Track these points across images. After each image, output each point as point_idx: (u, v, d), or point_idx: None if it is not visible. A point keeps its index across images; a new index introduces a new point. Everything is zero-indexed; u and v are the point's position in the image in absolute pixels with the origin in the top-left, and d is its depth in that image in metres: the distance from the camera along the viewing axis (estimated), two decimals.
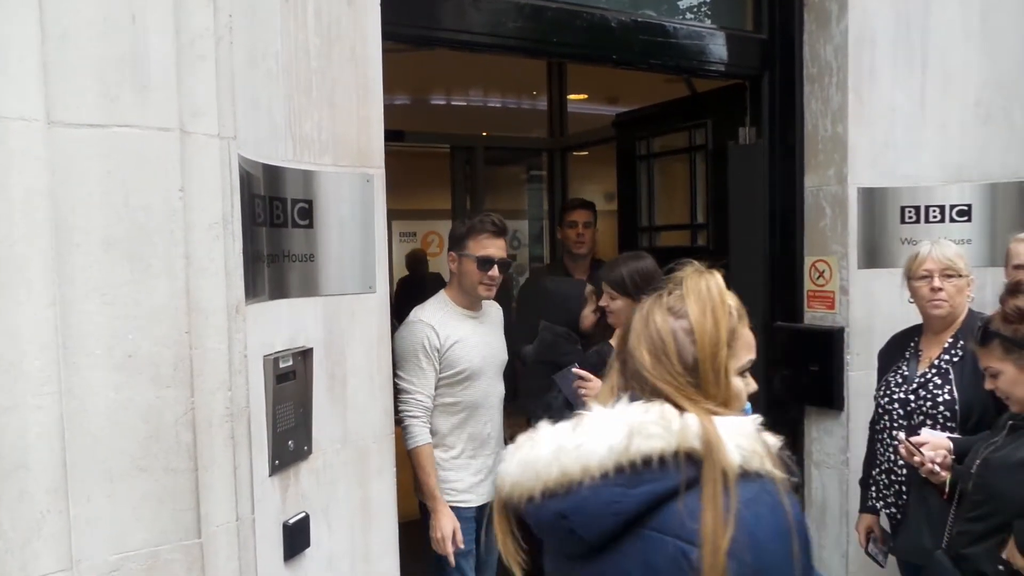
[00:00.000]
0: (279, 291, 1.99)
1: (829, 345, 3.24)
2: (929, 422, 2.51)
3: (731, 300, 1.25)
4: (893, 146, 3.19)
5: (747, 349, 1.25)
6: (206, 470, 1.60)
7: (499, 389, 2.83)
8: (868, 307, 3.21)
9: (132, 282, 1.51)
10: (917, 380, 2.58)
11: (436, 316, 2.70)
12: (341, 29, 2.10)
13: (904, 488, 2.57)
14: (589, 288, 3.10)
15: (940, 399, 2.50)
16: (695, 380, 1.18)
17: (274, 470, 1.94)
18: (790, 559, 1.07)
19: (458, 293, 2.78)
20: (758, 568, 1.05)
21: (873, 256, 3.22)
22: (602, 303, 2.72)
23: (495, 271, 2.72)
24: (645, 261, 2.69)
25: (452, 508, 2.66)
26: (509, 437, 2.41)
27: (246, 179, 1.79)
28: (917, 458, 2.26)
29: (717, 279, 1.24)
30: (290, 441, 1.99)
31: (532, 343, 3.20)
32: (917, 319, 2.68)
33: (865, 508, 2.77)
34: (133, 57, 1.50)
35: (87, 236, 1.47)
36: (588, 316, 3.06)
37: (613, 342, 2.49)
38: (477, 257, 2.70)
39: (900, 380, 2.64)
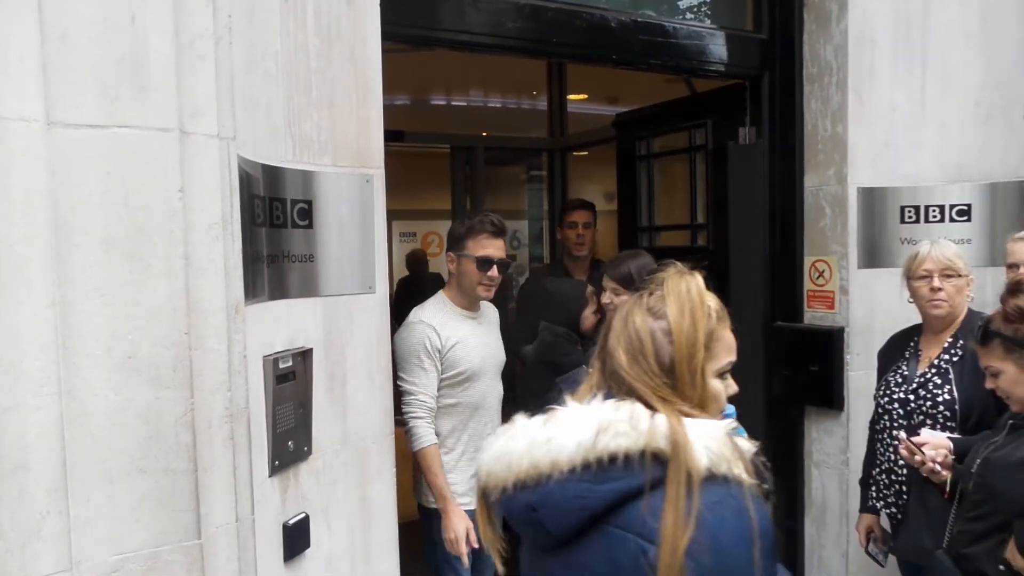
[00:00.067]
0: (279, 291, 1.99)
1: (829, 345, 3.24)
2: (929, 422, 2.51)
3: (711, 301, 1.25)
4: (893, 146, 3.19)
5: (727, 351, 1.26)
6: (206, 471, 1.60)
7: (498, 390, 2.83)
8: (868, 307, 3.21)
9: (132, 282, 1.51)
10: (917, 380, 2.58)
11: (436, 317, 2.70)
12: (341, 29, 2.10)
13: (904, 488, 2.57)
14: (589, 289, 3.10)
15: (940, 399, 2.50)
16: (671, 381, 1.19)
17: (274, 471, 1.94)
18: (751, 564, 1.07)
19: (457, 294, 2.78)
20: (717, 571, 1.05)
21: (873, 256, 3.22)
22: (605, 300, 2.72)
23: (494, 271, 2.72)
24: (647, 258, 2.71)
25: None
26: None
27: (245, 179, 1.79)
28: (918, 457, 2.26)
29: (698, 280, 1.25)
30: (290, 442, 1.99)
31: (532, 343, 3.20)
32: (917, 319, 2.68)
33: (865, 508, 2.77)
34: (133, 57, 1.50)
35: (87, 236, 1.47)
36: (588, 317, 3.06)
37: None
38: (476, 257, 2.70)
39: (900, 380, 2.64)
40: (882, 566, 2.77)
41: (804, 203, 3.37)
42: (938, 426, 2.49)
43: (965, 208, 3.19)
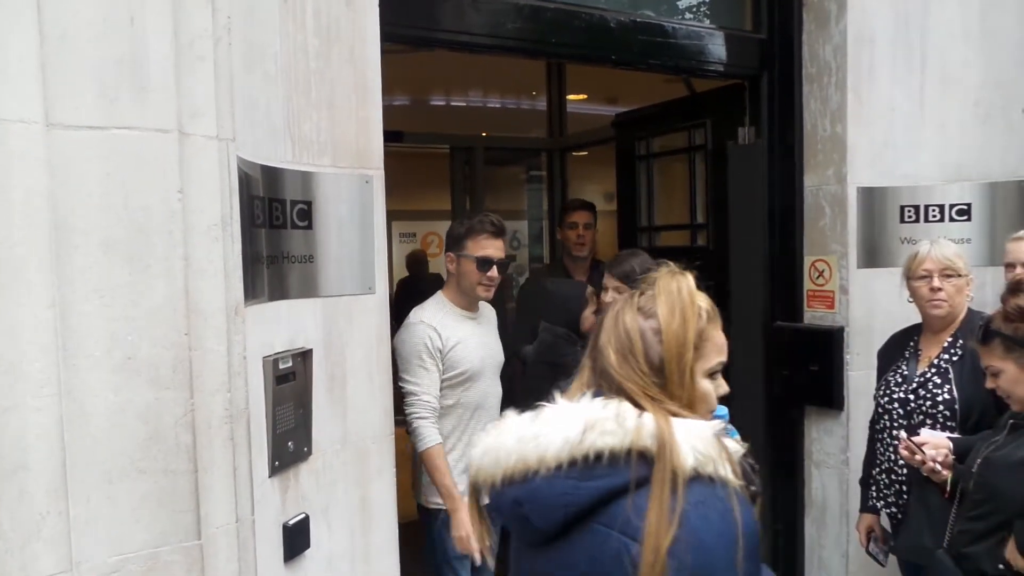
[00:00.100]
0: (278, 292, 1.99)
1: (829, 345, 3.24)
2: (929, 421, 2.51)
3: (702, 302, 1.25)
4: (892, 146, 3.19)
5: (717, 351, 1.26)
6: (206, 471, 1.60)
7: (497, 390, 2.83)
8: (868, 306, 3.21)
9: (131, 283, 1.51)
10: (917, 379, 2.58)
11: (436, 317, 2.70)
12: (340, 30, 2.10)
13: (904, 488, 2.57)
14: (589, 289, 3.10)
15: (940, 398, 2.51)
16: (660, 380, 1.19)
17: (274, 471, 1.94)
18: (733, 565, 1.07)
19: (456, 294, 2.78)
20: (699, 569, 1.05)
21: (873, 255, 3.22)
22: (607, 299, 2.73)
23: (494, 272, 2.72)
24: (647, 256, 2.74)
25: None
26: None
27: (245, 180, 1.79)
28: (919, 457, 2.26)
29: (689, 281, 1.26)
30: (290, 442, 1.99)
31: (532, 343, 3.20)
32: (917, 318, 2.68)
33: (866, 508, 2.77)
34: (132, 58, 1.50)
35: (86, 237, 1.47)
36: (588, 317, 3.06)
37: None
38: (476, 258, 2.70)
39: (900, 380, 2.64)
40: (882, 566, 2.77)
41: (804, 203, 3.37)
42: (938, 426, 2.49)
43: (965, 208, 3.19)
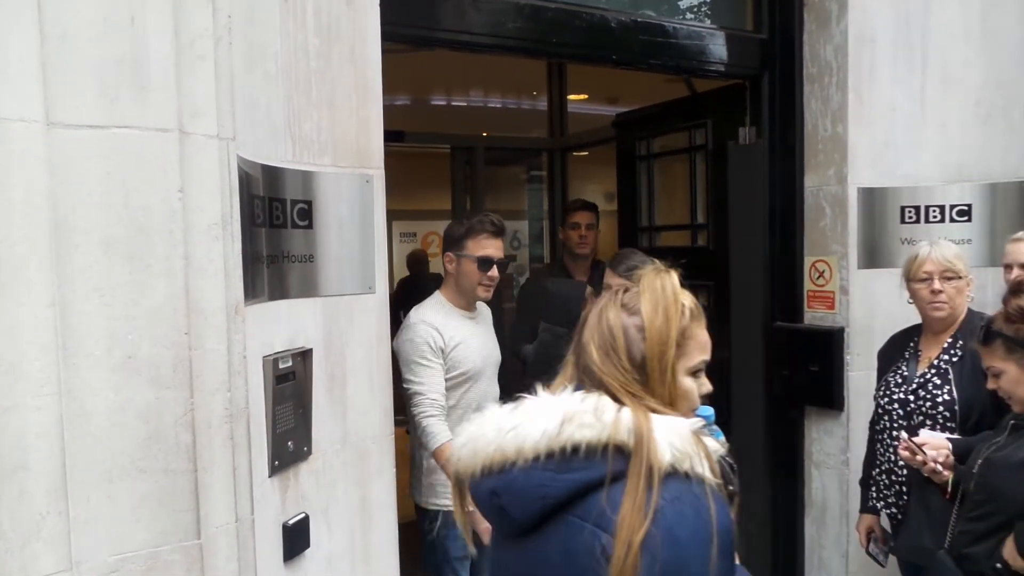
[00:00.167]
0: (278, 292, 1.99)
1: (829, 345, 3.24)
2: (929, 422, 2.51)
3: (686, 300, 1.26)
4: (893, 146, 3.19)
5: (700, 349, 1.26)
6: (205, 471, 1.60)
7: (495, 390, 2.82)
8: (868, 307, 3.21)
9: (131, 283, 1.51)
10: (917, 380, 2.58)
11: (437, 318, 2.70)
12: (340, 29, 2.10)
13: (904, 488, 2.57)
14: (589, 289, 3.10)
15: (940, 399, 2.50)
16: (642, 377, 1.20)
17: (274, 471, 1.94)
18: (707, 561, 1.07)
19: (455, 294, 2.77)
20: (672, 565, 1.05)
21: (873, 256, 3.22)
22: None
23: (495, 271, 2.72)
24: (644, 255, 2.75)
25: (450, 511, 2.65)
26: None
27: (245, 180, 1.79)
28: (920, 457, 2.26)
29: (673, 278, 1.26)
30: (290, 442, 1.99)
31: (532, 343, 3.20)
32: (917, 319, 2.68)
33: (866, 508, 2.77)
34: (132, 58, 1.50)
35: (87, 237, 1.47)
36: None
37: None
38: (477, 257, 2.69)
39: (900, 380, 2.64)
40: (883, 566, 2.77)
41: (804, 203, 3.37)
42: (938, 426, 2.49)
43: (965, 208, 3.19)
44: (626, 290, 1.26)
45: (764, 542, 3.46)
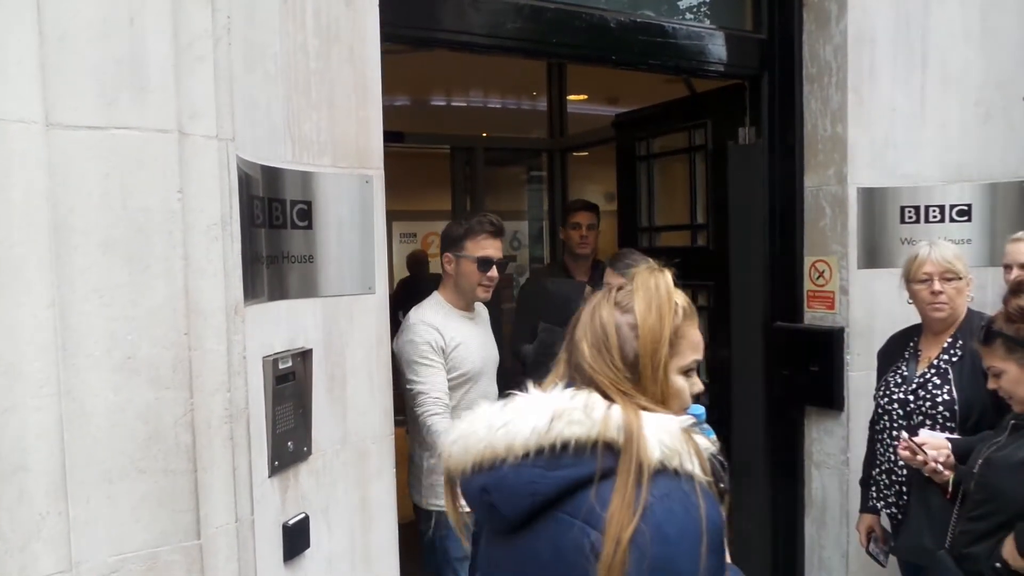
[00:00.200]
0: (278, 292, 1.99)
1: (829, 345, 3.23)
2: (928, 422, 2.51)
3: (679, 299, 1.26)
4: (893, 146, 3.19)
5: (692, 349, 1.26)
6: (205, 471, 1.60)
7: (495, 391, 2.82)
8: (868, 307, 3.21)
9: (131, 283, 1.51)
10: (916, 380, 2.58)
11: (437, 318, 2.69)
12: (340, 30, 2.10)
13: (904, 488, 2.57)
14: (589, 289, 3.10)
15: (939, 399, 2.50)
16: (633, 375, 1.20)
17: (274, 471, 1.94)
18: (696, 558, 1.07)
19: (454, 295, 2.77)
20: (661, 561, 1.05)
21: (873, 256, 3.22)
22: None
23: (494, 272, 2.72)
24: (642, 255, 2.75)
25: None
26: None
27: (245, 180, 1.79)
28: (920, 457, 2.26)
29: (667, 277, 1.27)
30: (289, 442, 1.99)
31: (532, 343, 3.20)
32: (917, 319, 2.68)
33: (866, 508, 2.77)
34: (131, 59, 1.50)
35: (86, 237, 1.47)
36: None
37: None
38: (477, 258, 2.69)
39: (899, 380, 2.64)
40: (883, 566, 2.77)
41: (804, 203, 3.37)
42: (937, 426, 2.49)
43: (965, 208, 3.19)
44: (619, 288, 1.26)
45: (764, 542, 3.46)
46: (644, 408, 1.16)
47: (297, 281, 2.05)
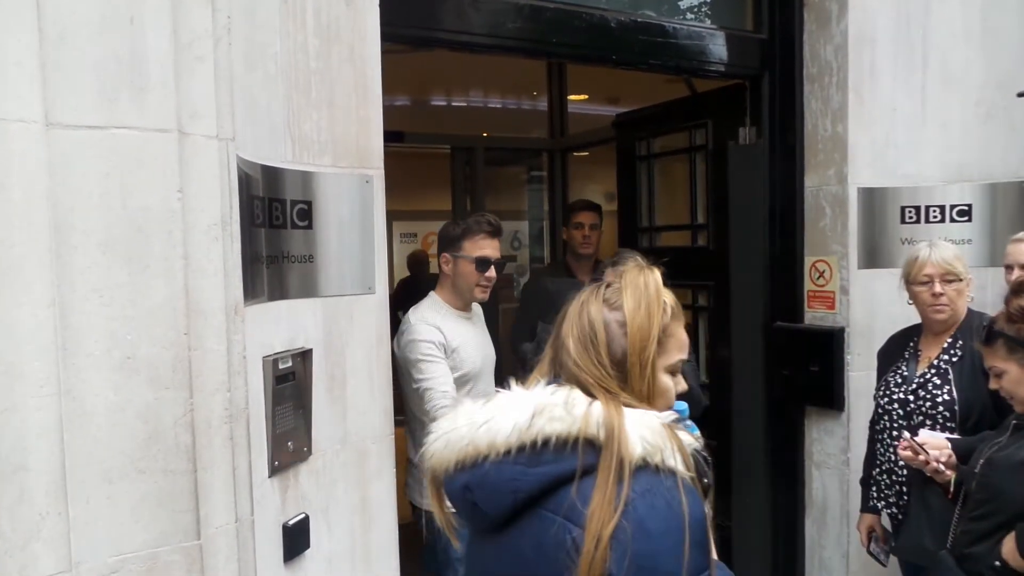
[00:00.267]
0: (278, 292, 1.99)
1: (829, 345, 3.23)
2: (929, 422, 2.51)
3: (668, 298, 1.26)
4: (893, 146, 3.19)
5: (679, 348, 1.26)
6: (205, 471, 1.60)
7: (493, 390, 2.81)
8: (868, 307, 3.21)
9: (131, 283, 1.51)
10: (916, 380, 2.58)
11: (436, 318, 2.69)
12: (340, 29, 2.10)
13: (905, 488, 2.57)
14: None
15: (939, 399, 2.50)
16: (620, 373, 1.20)
17: (274, 471, 1.94)
18: (679, 554, 1.07)
19: (451, 295, 2.76)
20: (643, 557, 1.05)
21: (873, 256, 3.22)
22: None
23: (492, 272, 2.71)
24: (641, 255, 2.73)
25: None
26: None
27: (245, 180, 1.78)
28: (921, 457, 2.25)
29: (656, 275, 1.27)
30: (289, 442, 1.99)
31: (532, 343, 3.20)
32: (917, 319, 2.68)
33: (866, 508, 2.77)
34: (131, 58, 1.50)
35: (86, 237, 1.47)
36: None
37: None
38: (475, 258, 2.69)
39: (900, 380, 2.64)
40: (884, 566, 2.77)
41: (804, 203, 3.37)
42: (937, 426, 2.49)
43: (966, 208, 3.19)
44: (608, 285, 1.26)
45: (764, 542, 3.46)
46: (629, 405, 1.16)
47: (297, 281, 2.05)
